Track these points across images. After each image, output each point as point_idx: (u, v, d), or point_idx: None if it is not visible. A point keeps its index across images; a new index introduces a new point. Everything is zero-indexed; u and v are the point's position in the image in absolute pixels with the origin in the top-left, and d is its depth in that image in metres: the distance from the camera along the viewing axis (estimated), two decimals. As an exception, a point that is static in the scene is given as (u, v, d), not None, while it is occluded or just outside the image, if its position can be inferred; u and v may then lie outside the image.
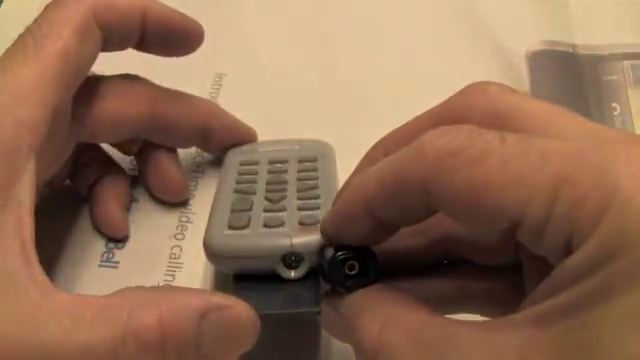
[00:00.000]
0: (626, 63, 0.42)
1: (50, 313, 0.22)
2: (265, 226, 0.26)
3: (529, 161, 0.18)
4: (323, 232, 0.24)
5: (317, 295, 0.25)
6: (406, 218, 0.22)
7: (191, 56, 0.37)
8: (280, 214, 0.27)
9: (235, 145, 0.35)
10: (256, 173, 0.31)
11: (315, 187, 0.29)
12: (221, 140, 0.35)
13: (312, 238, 0.25)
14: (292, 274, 0.25)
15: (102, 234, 0.34)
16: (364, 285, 0.23)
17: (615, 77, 0.41)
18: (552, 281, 0.18)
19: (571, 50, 0.42)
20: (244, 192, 0.29)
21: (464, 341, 0.19)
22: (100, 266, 0.33)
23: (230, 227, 0.27)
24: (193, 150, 0.38)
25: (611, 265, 0.16)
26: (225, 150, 0.35)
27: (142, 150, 0.35)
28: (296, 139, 0.34)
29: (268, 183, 0.30)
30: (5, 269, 0.23)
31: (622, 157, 0.17)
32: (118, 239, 0.34)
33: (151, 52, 0.32)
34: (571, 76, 0.41)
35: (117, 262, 0.33)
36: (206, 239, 0.27)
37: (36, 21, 0.28)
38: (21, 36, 0.27)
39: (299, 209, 0.27)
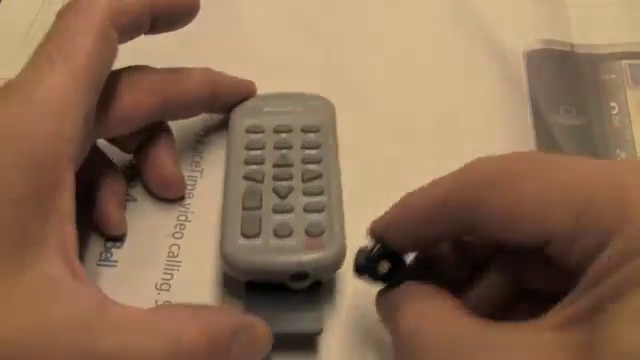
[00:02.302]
0: (624, 62, 0.42)
1: (107, 324, 0.24)
2: (275, 235, 0.30)
3: (554, 188, 0.21)
4: (372, 232, 0.27)
5: (320, 313, 0.30)
6: (445, 237, 0.26)
7: (191, 56, 0.37)
8: (288, 216, 0.31)
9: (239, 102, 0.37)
10: (263, 147, 0.34)
11: (319, 176, 0.32)
12: (226, 102, 0.37)
13: (318, 256, 0.29)
14: (298, 285, 0.29)
15: (100, 233, 0.34)
16: (396, 281, 0.26)
17: (613, 76, 0.41)
18: (575, 289, 0.20)
19: (569, 49, 0.42)
20: (252, 179, 0.32)
21: (494, 339, 0.21)
22: (99, 265, 0.33)
23: (243, 234, 0.30)
24: (191, 149, 0.38)
25: (622, 270, 0.18)
26: (230, 109, 0.37)
27: (140, 147, 0.35)
28: (298, 93, 0.37)
29: (275, 166, 0.33)
30: (53, 280, 0.24)
31: (631, 170, 0.20)
32: (116, 237, 0.34)
33: (153, 33, 0.33)
34: (569, 75, 0.41)
35: (116, 261, 0.33)
36: (223, 250, 0.30)
37: (56, 31, 0.28)
38: (43, 47, 0.28)
39: (305, 210, 0.31)
